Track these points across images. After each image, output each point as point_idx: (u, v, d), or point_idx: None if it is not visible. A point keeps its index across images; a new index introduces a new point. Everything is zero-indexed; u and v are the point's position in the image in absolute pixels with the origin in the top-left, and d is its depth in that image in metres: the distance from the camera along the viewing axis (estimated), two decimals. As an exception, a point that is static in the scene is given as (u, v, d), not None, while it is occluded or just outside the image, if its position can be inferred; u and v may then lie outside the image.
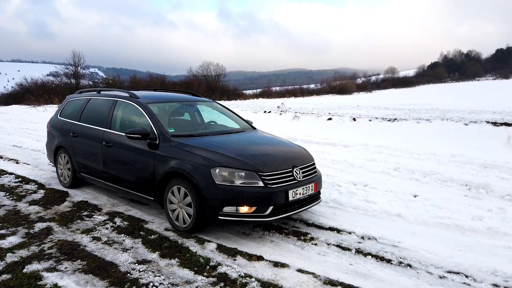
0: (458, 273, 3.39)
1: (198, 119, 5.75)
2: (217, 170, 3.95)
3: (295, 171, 4.24)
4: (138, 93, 5.39)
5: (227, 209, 3.92)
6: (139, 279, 3.23)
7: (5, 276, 3.25)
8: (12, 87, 53.44)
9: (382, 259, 3.66)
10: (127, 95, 5.28)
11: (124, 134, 4.73)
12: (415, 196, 5.47)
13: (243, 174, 3.97)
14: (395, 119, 12.49)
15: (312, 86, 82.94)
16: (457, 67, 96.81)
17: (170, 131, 4.62)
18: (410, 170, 6.89)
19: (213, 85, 49.07)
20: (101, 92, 5.89)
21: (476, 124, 10.54)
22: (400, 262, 3.58)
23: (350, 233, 4.25)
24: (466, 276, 3.33)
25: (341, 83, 69.35)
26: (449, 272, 3.41)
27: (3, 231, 4.24)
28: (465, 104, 20.73)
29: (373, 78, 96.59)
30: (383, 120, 12.44)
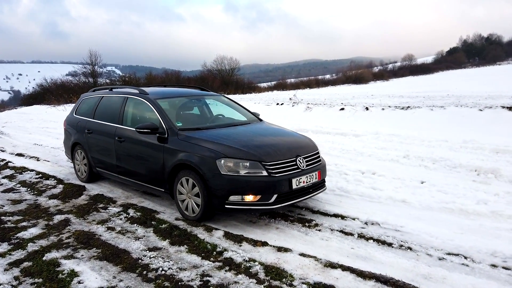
0: (457, 254, 3.47)
1: (206, 112, 5.92)
2: (222, 161, 4.11)
3: (299, 160, 4.36)
4: (147, 89, 5.59)
5: (233, 198, 4.08)
6: (150, 265, 3.43)
7: (26, 264, 3.51)
8: (33, 87, 54.96)
9: (383, 243, 3.76)
10: (137, 91, 5.48)
11: (134, 129, 4.94)
12: (422, 183, 5.52)
13: (247, 164, 4.11)
14: (408, 107, 12.39)
15: (327, 76, 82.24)
16: (477, 52, 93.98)
17: (178, 125, 4.80)
18: (419, 157, 6.89)
19: (227, 79, 49.23)
20: (113, 89, 6.13)
21: (491, 110, 10.38)
22: (401, 246, 3.68)
23: (354, 219, 4.36)
24: (465, 258, 3.41)
25: (357, 73, 68.35)
26: (449, 254, 3.49)
27: (24, 223, 4.52)
28: (483, 90, 20.30)
29: (390, 66, 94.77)
30: (396, 109, 12.36)
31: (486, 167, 5.97)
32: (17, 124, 16.58)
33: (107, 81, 45.20)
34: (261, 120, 5.73)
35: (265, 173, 4.10)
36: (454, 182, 5.48)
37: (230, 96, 10.28)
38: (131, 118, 5.37)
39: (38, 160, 8.16)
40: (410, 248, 3.62)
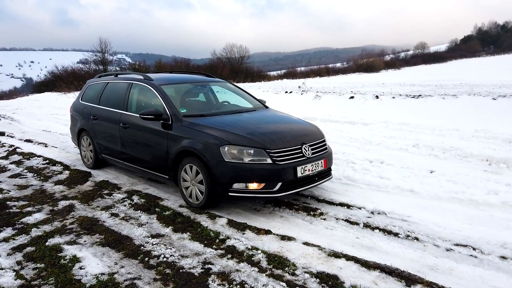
0: (465, 245, 3.37)
1: (212, 99, 5.84)
2: (226, 148, 4.04)
3: (304, 148, 4.27)
4: (152, 75, 5.53)
5: (236, 185, 4.03)
6: (152, 251, 3.41)
7: (29, 249, 3.52)
8: (44, 75, 55.44)
9: (389, 232, 3.68)
10: (142, 77, 5.42)
11: (138, 115, 4.89)
12: (431, 172, 5.39)
13: (251, 151, 4.04)
14: (420, 95, 12.14)
15: (338, 65, 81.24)
16: (492, 40, 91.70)
17: (182, 111, 4.74)
18: (429, 147, 6.75)
19: (237, 67, 48.92)
20: (118, 75, 6.08)
21: (505, 98, 10.13)
22: (408, 236, 3.59)
23: (360, 208, 4.27)
24: (474, 249, 3.31)
25: (368, 61, 67.39)
26: (457, 245, 3.40)
27: (29, 208, 4.54)
28: (497, 78, 19.81)
29: (402, 54, 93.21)
30: (407, 97, 12.12)
31: (498, 156, 5.81)
32: (27, 111, 16.73)
33: (117, 68, 45.34)
34: (267, 107, 5.63)
35: (269, 160, 4.03)
36: (464, 172, 5.34)
37: (239, 85, 10.20)
38: (135, 104, 5.32)
39: (46, 146, 8.21)
40: (416, 239, 3.53)
